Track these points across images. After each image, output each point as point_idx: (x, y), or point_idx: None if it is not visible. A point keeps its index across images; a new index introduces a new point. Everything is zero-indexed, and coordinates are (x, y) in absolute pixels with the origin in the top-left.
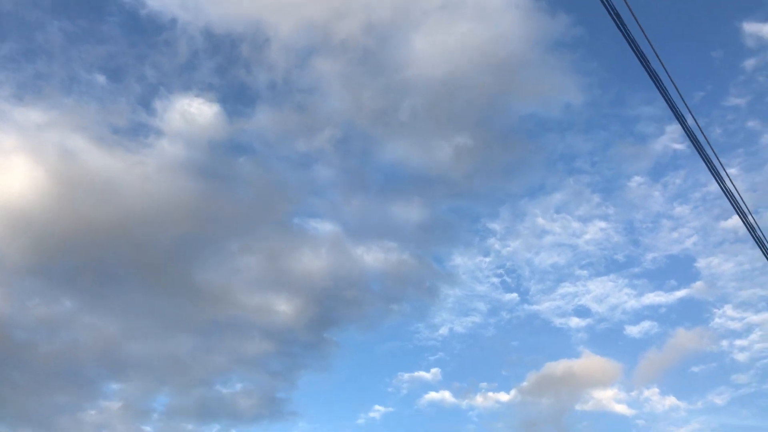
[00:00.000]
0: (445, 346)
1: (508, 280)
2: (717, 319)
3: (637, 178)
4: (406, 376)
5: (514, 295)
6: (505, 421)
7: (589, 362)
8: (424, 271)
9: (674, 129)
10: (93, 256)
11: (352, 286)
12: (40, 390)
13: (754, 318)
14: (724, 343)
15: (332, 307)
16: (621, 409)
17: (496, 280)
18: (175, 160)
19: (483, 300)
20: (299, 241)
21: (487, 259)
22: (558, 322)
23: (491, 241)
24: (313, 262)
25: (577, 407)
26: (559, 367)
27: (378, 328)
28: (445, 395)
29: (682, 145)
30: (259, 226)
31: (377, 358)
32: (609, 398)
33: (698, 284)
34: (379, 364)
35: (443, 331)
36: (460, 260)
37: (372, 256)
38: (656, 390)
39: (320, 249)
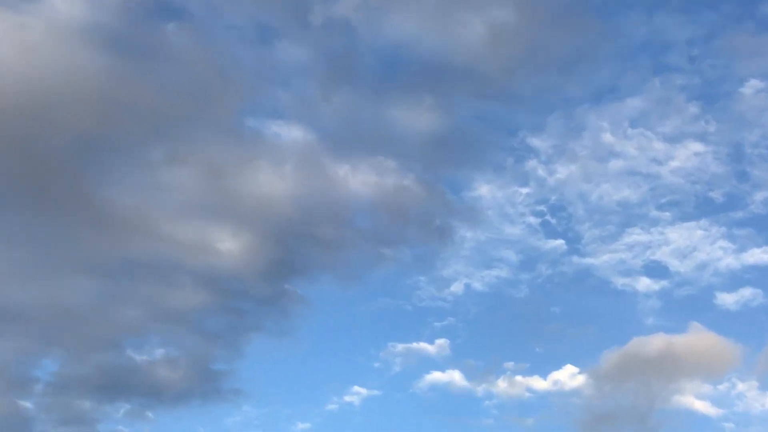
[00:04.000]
0: (457, 309)
1: (553, 220)
2: None
3: (755, 83)
4: (400, 347)
5: (560, 242)
6: (538, 416)
7: (687, 341)
8: (434, 202)
9: None
10: None
11: (329, 219)
12: None
13: None
14: None
15: (299, 248)
16: (701, 407)
17: (534, 219)
18: (72, 23)
19: (514, 247)
20: (253, 152)
21: (525, 190)
22: (619, 282)
23: (532, 163)
24: (273, 182)
25: (660, 403)
26: (638, 346)
27: (363, 280)
28: (455, 377)
29: None
30: (194, 127)
31: (360, 321)
32: (688, 392)
33: None
34: (362, 330)
35: (456, 288)
36: (486, 190)
37: (359, 179)
38: (754, 383)
39: (284, 164)
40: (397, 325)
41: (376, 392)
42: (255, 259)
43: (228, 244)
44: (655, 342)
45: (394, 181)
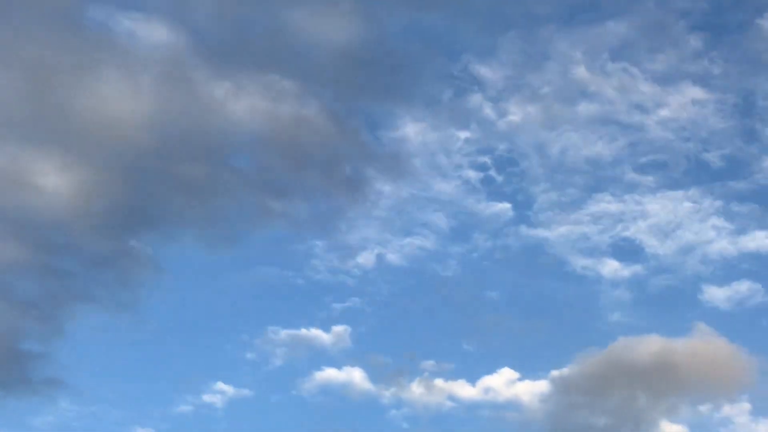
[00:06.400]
0: (364, 288)
1: (498, 177)
2: None
3: None
4: (284, 334)
5: (505, 205)
6: None
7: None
8: (343, 142)
9: None
10: None
11: (198, 155)
12: None
13: None
14: None
15: (153, 192)
16: None
17: (474, 174)
18: None
19: (445, 209)
20: (96, 55)
21: (464, 134)
22: (579, 264)
23: (476, 99)
24: (121, 98)
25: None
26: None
27: (240, 241)
28: (355, 376)
29: None
30: (10, 16)
31: (232, 296)
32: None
33: None
34: (233, 309)
35: (364, 259)
36: (413, 130)
37: (244, 103)
38: (746, 406)
39: (139, 75)
40: (281, 305)
41: (246, 392)
42: (89, 203)
43: (52, 179)
44: (644, 346)
45: (292, 109)
